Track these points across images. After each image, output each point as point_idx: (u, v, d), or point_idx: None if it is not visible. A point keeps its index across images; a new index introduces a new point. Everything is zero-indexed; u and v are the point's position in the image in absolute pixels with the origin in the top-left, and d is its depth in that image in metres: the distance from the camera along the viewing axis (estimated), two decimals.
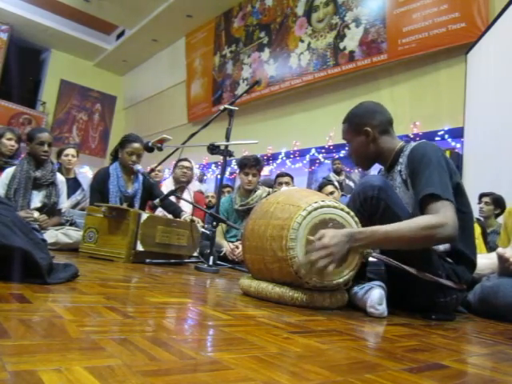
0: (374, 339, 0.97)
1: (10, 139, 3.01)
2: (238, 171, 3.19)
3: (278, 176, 3.71)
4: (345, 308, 1.31)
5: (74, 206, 3.02)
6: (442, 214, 1.15)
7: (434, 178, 1.22)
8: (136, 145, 2.57)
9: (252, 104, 7.97)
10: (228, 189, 5.25)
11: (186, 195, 3.40)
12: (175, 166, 3.58)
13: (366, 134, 1.45)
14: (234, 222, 2.97)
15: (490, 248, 2.85)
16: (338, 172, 5.82)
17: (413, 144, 1.39)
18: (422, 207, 1.22)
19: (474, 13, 4.94)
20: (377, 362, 0.71)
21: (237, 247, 2.73)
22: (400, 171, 1.41)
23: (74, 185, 3.11)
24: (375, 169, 1.66)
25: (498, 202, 3.45)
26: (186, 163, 3.56)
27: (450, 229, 1.15)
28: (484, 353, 0.94)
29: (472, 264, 1.38)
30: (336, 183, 5.58)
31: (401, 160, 1.41)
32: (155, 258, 2.16)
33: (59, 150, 3.34)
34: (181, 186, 3.45)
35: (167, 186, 3.51)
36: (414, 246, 1.23)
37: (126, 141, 2.61)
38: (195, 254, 2.48)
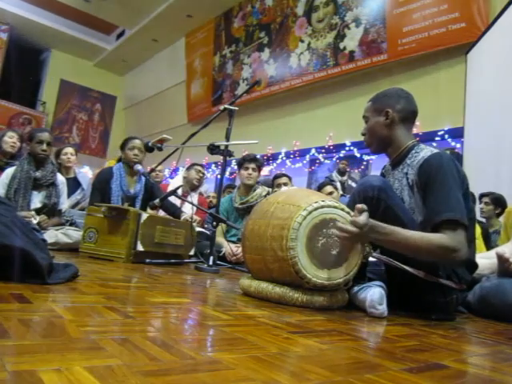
0: (374, 339, 0.97)
1: (11, 137, 3.06)
2: (237, 171, 3.21)
3: (276, 177, 3.63)
4: (345, 308, 1.31)
5: (74, 206, 3.01)
6: (458, 240, 1.21)
7: (451, 199, 1.24)
8: (136, 140, 2.71)
9: (252, 104, 7.96)
10: (230, 188, 5.20)
11: (193, 198, 3.42)
12: (190, 167, 3.62)
13: (386, 115, 1.44)
14: (234, 221, 2.97)
15: (493, 248, 2.84)
16: (342, 172, 5.80)
17: (426, 150, 1.37)
18: (437, 227, 1.23)
19: (473, 13, 4.94)
20: (377, 362, 0.71)
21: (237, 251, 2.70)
22: (406, 174, 1.40)
23: (73, 184, 3.11)
24: (377, 168, 1.66)
25: (497, 201, 3.43)
26: (201, 168, 3.64)
27: (463, 254, 1.22)
28: (484, 353, 0.95)
29: (472, 265, 1.38)
30: (338, 183, 5.58)
31: (408, 161, 1.40)
32: (154, 258, 2.16)
33: (57, 150, 3.34)
34: (181, 186, 3.45)
35: (174, 186, 3.49)
36: (424, 258, 1.27)
37: (125, 141, 2.76)
38: (191, 253, 2.49)
